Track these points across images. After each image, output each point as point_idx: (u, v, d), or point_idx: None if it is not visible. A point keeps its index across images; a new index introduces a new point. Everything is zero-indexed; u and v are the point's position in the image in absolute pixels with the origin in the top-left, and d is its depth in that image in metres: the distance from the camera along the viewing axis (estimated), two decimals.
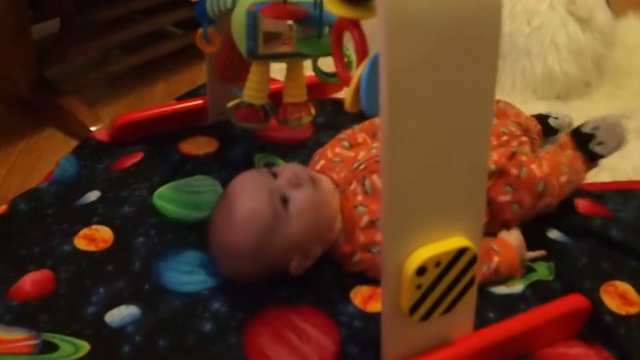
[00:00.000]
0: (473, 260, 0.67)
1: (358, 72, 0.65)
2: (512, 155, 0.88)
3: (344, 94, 0.67)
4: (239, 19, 0.90)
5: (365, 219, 0.84)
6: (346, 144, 0.96)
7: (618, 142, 0.99)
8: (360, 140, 0.98)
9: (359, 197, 0.86)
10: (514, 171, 0.88)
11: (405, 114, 0.58)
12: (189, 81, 1.35)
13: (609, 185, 1.05)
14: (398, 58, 0.55)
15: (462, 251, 0.66)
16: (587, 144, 0.98)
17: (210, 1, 0.94)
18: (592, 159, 1.00)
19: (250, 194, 0.80)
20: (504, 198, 0.88)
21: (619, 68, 1.36)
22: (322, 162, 0.93)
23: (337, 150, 0.95)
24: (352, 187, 0.87)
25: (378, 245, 0.82)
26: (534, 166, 0.89)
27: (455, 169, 0.64)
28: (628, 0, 1.67)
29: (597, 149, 0.98)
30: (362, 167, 0.88)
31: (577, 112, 1.22)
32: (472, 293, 0.70)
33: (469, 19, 0.56)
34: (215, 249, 0.84)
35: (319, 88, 1.18)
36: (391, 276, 0.66)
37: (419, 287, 0.65)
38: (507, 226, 0.90)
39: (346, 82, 0.71)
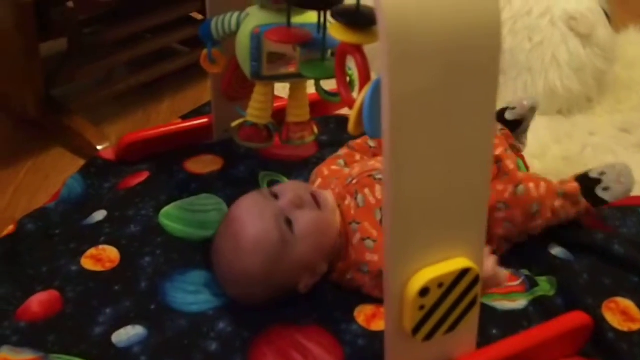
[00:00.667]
0: (475, 280, 0.68)
1: (361, 96, 0.66)
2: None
3: (347, 111, 0.69)
4: (243, 41, 0.91)
5: (357, 237, 0.85)
6: (342, 162, 0.98)
7: (625, 189, 0.94)
8: (357, 158, 1.00)
9: (353, 212, 0.87)
10: (510, 188, 0.88)
11: (407, 140, 0.59)
12: (194, 99, 1.36)
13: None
14: (400, 86, 0.56)
15: (464, 272, 0.67)
16: (594, 189, 0.94)
17: (215, 23, 0.96)
18: (595, 204, 0.95)
19: (255, 220, 0.81)
20: (498, 215, 0.88)
21: (619, 82, 1.37)
22: (319, 181, 0.94)
23: (333, 167, 0.96)
24: (347, 202, 0.88)
25: (367, 264, 0.83)
26: (531, 185, 0.90)
27: (457, 191, 0.65)
28: (629, 14, 1.68)
29: (603, 195, 0.94)
30: (354, 182, 0.89)
31: (579, 126, 1.24)
32: (475, 312, 0.71)
33: (470, 46, 0.57)
34: (223, 276, 0.84)
35: (322, 105, 1.19)
36: (394, 297, 0.66)
37: (422, 307, 0.66)
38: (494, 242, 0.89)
39: (349, 104, 0.72)
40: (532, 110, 1.06)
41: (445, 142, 0.61)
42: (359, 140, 1.02)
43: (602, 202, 0.94)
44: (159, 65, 1.37)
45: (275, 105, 1.00)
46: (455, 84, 0.59)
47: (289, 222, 0.81)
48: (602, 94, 1.31)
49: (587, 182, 0.94)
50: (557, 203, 0.91)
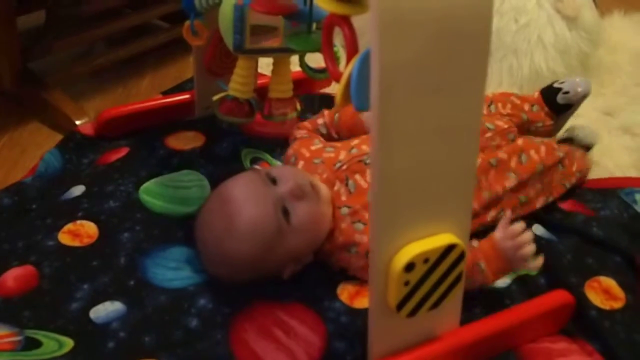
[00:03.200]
0: (461, 256, 0.67)
1: (348, 69, 0.65)
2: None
3: (332, 89, 0.67)
4: (226, 13, 0.89)
5: (346, 220, 0.84)
6: (317, 141, 0.96)
7: (584, 88, 1.02)
8: (322, 131, 1.00)
9: (343, 198, 0.85)
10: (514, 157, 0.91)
11: (396, 111, 0.58)
12: (176, 75, 1.34)
13: (591, 183, 1.06)
14: (390, 55, 0.55)
15: (450, 248, 0.66)
16: (555, 98, 1.02)
17: None
18: (561, 110, 1.04)
19: (253, 204, 0.78)
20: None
21: (603, 66, 1.37)
22: (301, 163, 0.92)
23: (313, 148, 0.94)
24: (336, 187, 0.86)
25: (356, 245, 0.82)
26: (532, 152, 0.94)
27: (445, 165, 0.64)
28: (614, 1, 1.69)
29: (565, 98, 1.02)
30: (344, 167, 0.88)
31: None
32: (460, 289, 0.70)
33: (461, 15, 0.56)
34: (208, 253, 0.82)
35: (306, 84, 1.18)
36: (379, 272, 0.66)
37: (407, 283, 0.65)
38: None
39: (336, 78, 0.70)
40: (585, 97, 1.05)
41: (435, 114, 0.60)
42: (306, 122, 1.02)
43: (569, 106, 1.04)
44: (139, 41, 1.35)
45: (259, 82, 0.99)
46: (445, 53, 0.57)
47: (286, 212, 0.79)
48: (585, 77, 1.30)
49: (547, 93, 1.04)
50: (557, 159, 0.96)
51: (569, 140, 1.06)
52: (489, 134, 0.95)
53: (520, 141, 0.96)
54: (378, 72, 0.56)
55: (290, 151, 0.96)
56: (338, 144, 0.94)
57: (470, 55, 0.58)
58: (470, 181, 0.67)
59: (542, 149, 0.96)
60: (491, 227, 0.88)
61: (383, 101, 0.57)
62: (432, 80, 0.58)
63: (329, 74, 0.73)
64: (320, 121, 1.02)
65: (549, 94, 1.05)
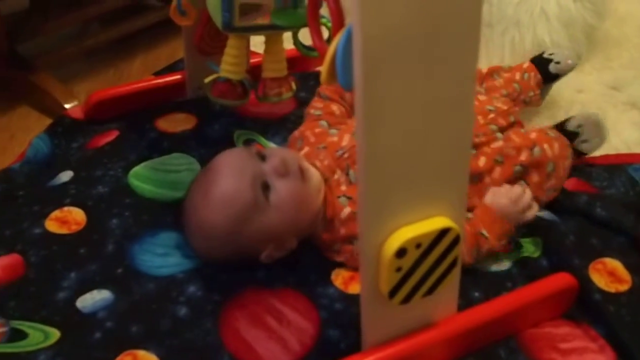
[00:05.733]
0: (456, 240, 0.64)
1: (333, 44, 0.61)
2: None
3: None
4: None
5: (346, 211, 0.81)
6: (324, 122, 0.93)
7: (601, 140, 0.99)
8: (336, 113, 0.95)
9: (343, 187, 0.83)
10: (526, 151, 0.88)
11: (382, 87, 0.55)
12: (168, 55, 1.31)
13: (597, 160, 1.02)
14: (372, 26, 0.52)
15: (444, 232, 0.63)
16: (573, 142, 0.96)
17: None
18: (551, 80, 1.05)
19: (232, 174, 0.77)
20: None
21: (609, 39, 1.32)
22: (306, 149, 0.89)
23: (317, 131, 0.91)
24: (336, 176, 0.84)
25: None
26: (545, 145, 0.89)
27: (437, 145, 0.60)
28: None
29: (583, 147, 0.98)
30: (346, 155, 0.85)
31: (567, 83, 1.19)
32: (456, 274, 0.68)
33: None
34: (188, 223, 0.81)
35: (301, 61, 1.14)
36: (369, 258, 0.63)
37: (398, 269, 0.63)
38: None
39: (323, 53, 0.67)
40: (572, 68, 1.08)
41: (424, 87, 0.57)
42: (327, 91, 0.98)
43: (583, 154, 0.99)
44: (130, 21, 1.32)
45: (252, 61, 0.95)
46: (433, 19, 0.54)
47: (266, 187, 0.77)
48: (591, 51, 1.27)
49: (566, 135, 0.96)
50: (567, 162, 0.92)
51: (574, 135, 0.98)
52: (491, 115, 0.92)
53: (533, 134, 0.91)
54: (360, 44, 0.52)
55: (296, 133, 0.94)
56: (344, 126, 0.91)
57: (460, 21, 0.55)
58: (464, 161, 0.64)
59: (556, 145, 0.91)
60: None
61: (367, 75, 0.54)
62: (418, 53, 0.55)
63: (316, 48, 0.70)
64: None
65: (541, 63, 1.07)
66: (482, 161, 0.85)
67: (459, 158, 0.63)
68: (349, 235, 0.81)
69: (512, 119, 0.93)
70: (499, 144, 0.88)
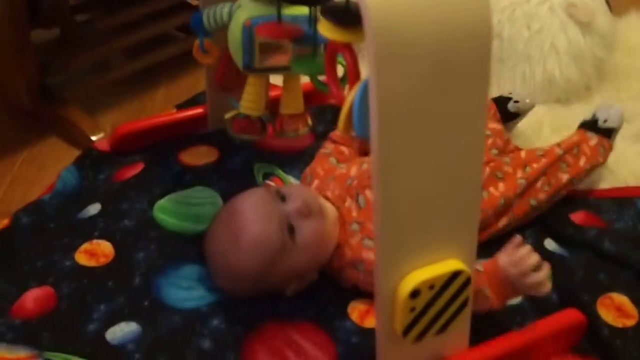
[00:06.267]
0: (467, 282, 0.68)
1: (350, 96, 0.65)
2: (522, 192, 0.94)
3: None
4: (235, 33, 0.90)
5: (356, 237, 0.84)
6: (333, 159, 0.97)
7: (620, 116, 1.07)
8: (345, 153, 0.99)
9: (354, 214, 0.86)
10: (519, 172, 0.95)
11: (396, 141, 0.59)
12: (190, 86, 1.35)
13: (606, 193, 1.05)
14: (387, 88, 0.56)
15: (456, 274, 0.66)
16: (596, 126, 1.05)
17: (207, 14, 0.94)
18: (608, 135, 1.06)
19: (259, 219, 0.80)
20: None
21: (619, 69, 1.34)
22: (316, 182, 0.93)
23: (327, 166, 0.95)
24: (347, 204, 0.87)
25: (364, 263, 0.83)
26: (535, 165, 0.96)
27: (449, 193, 0.64)
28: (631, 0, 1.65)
29: (607, 125, 1.05)
30: (355, 183, 0.89)
31: (578, 116, 1.21)
32: (467, 313, 0.71)
33: (458, 47, 0.57)
34: (215, 264, 0.84)
35: (318, 95, 1.18)
36: (385, 298, 0.66)
37: (412, 309, 0.66)
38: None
39: (340, 102, 0.71)
40: (531, 108, 1.14)
41: (436, 143, 0.61)
42: (337, 133, 1.03)
43: (612, 130, 1.06)
44: (154, 52, 1.36)
45: (271, 94, 0.99)
46: (444, 85, 0.58)
47: (291, 229, 0.81)
48: (601, 82, 1.29)
49: (589, 125, 1.05)
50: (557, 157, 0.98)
51: (591, 124, 1.07)
52: (490, 140, 0.99)
53: (523, 153, 0.98)
54: (376, 106, 0.56)
55: (307, 170, 0.98)
56: (351, 160, 0.95)
57: (469, 85, 0.59)
58: (475, 207, 0.67)
59: (544, 160, 0.97)
60: (502, 235, 0.90)
61: (382, 133, 0.58)
62: (431, 112, 0.59)
63: (333, 97, 0.73)
64: None
65: (500, 102, 1.12)
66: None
67: (469, 204, 0.66)
68: (354, 260, 0.84)
69: (506, 135, 1.02)
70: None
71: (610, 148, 1.06)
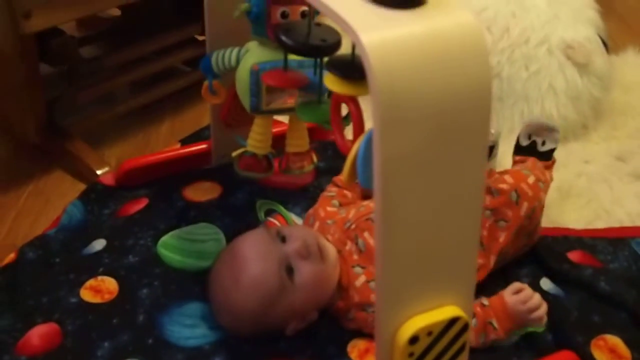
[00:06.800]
0: (464, 328, 0.69)
1: (354, 148, 0.67)
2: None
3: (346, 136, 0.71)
4: (242, 77, 0.93)
5: (361, 279, 0.86)
6: (336, 202, 0.99)
7: (554, 133, 1.07)
8: (349, 196, 1.02)
9: (355, 257, 0.88)
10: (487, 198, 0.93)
11: (398, 196, 0.61)
12: (194, 120, 1.37)
13: (602, 233, 1.07)
14: (390, 148, 0.58)
15: (454, 320, 0.68)
16: (536, 150, 1.06)
17: (216, 57, 0.97)
18: (548, 158, 1.07)
19: (259, 260, 0.82)
20: (489, 222, 0.92)
21: (616, 107, 1.37)
22: (317, 224, 0.96)
23: (329, 209, 0.98)
24: (348, 247, 0.89)
25: (372, 305, 0.84)
26: (501, 185, 0.94)
27: (447, 243, 0.66)
28: (628, 35, 1.69)
29: (547, 147, 1.06)
30: (353, 226, 0.91)
31: (575, 154, 1.25)
32: (464, 357, 0.72)
33: (460, 109, 0.59)
34: (217, 303, 0.86)
35: (319, 130, 1.21)
36: (385, 343, 0.68)
37: (411, 354, 0.67)
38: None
39: (345, 151, 0.73)
40: (498, 136, 1.15)
41: (436, 197, 0.63)
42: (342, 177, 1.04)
43: (552, 151, 1.06)
44: (159, 86, 1.39)
45: (275, 129, 1.01)
46: (445, 144, 0.60)
47: (290, 270, 0.82)
48: (598, 121, 1.32)
49: (526, 150, 1.06)
50: (530, 179, 0.97)
51: (530, 149, 1.07)
52: None
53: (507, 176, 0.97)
54: (379, 164, 0.58)
55: (310, 211, 1.01)
56: (351, 204, 0.98)
57: (470, 144, 0.61)
58: (472, 256, 0.69)
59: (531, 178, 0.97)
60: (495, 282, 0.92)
61: (384, 189, 0.60)
62: (432, 169, 0.61)
63: (338, 147, 0.76)
64: None
65: None
66: None
67: (467, 252, 0.68)
68: (362, 303, 0.86)
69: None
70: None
71: (551, 167, 1.06)
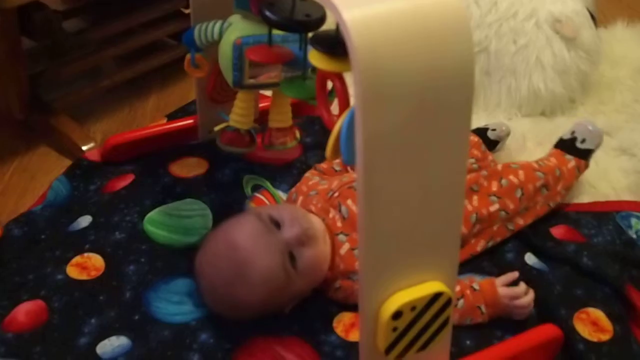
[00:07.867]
0: (448, 303, 0.70)
1: (338, 124, 0.67)
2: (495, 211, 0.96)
3: (334, 111, 0.71)
4: (225, 51, 0.92)
5: (345, 247, 0.87)
6: (317, 177, 1.00)
7: (598, 136, 1.08)
8: (336, 168, 1.02)
9: (339, 224, 0.89)
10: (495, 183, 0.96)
11: (381, 172, 0.61)
12: (181, 94, 1.36)
13: (587, 207, 1.08)
14: (373, 124, 0.57)
15: (437, 295, 0.68)
16: (574, 146, 1.07)
17: (198, 31, 0.96)
18: (584, 157, 1.08)
19: (264, 254, 0.80)
20: (493, 208, 0.95)
21: (603, 82, 1.37)
22: (300, 198, 0.96)
23: (311, 183, 0.98)
24: (331, 215, 0.90)
25: (357, 273, 0.85)
26: (511, 177, 0.98)
27: (431, 219, 0.66)
28: (618, 8, 1.68)
29: (585, 146, 1.07)
30: (336, 194, 0.91)
31: (562, 128, 1.24)
32: (447, 332, 0.73)
33: (442, 86, 0.58)
34: (215, 297, 0.84)
35: (306, 106, 1.20)
36: (368, 319, 0.68)
37: (394, 329, 0.68)
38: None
39: (330, 127, 0.73)
40: (508, 133, 1.18)
41: (419, 173, 0.63)
42: (324, 165, 1.04)
43: (589, 152, 1.08)
44: (145, 60, 1.37)
45: (260, 105, 1.00)
46: (428, 121, 0.60)
47: (292, 257, 0.82)
48: (585, 95, 1.32)
49: (565, 144, 1.08)
50: (539, 183, 1.00)
51: (569, 143, 1.09)
52: None
53: (499, 166, 1.01)
54: (362, 141, 0.58)
55: (293, 189, 1.01)
56: (332, 177, 0.98)
57: (453, 122, 0.61)
58: (456, 231, 0.69)
59: (521, 172, 1.00)
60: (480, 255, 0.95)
61: (367, 165, 0.60)
62: (415, 145, 0.61)
63: (324, 122, 0.75)
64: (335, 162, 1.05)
65: (480, 131, 1.15)
66: None
67: (450, 229, 0.68)
68: (348, 271, 0.86)
69: (483, 147, 1.05)
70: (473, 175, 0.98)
71: (585, 168, 1.09)
